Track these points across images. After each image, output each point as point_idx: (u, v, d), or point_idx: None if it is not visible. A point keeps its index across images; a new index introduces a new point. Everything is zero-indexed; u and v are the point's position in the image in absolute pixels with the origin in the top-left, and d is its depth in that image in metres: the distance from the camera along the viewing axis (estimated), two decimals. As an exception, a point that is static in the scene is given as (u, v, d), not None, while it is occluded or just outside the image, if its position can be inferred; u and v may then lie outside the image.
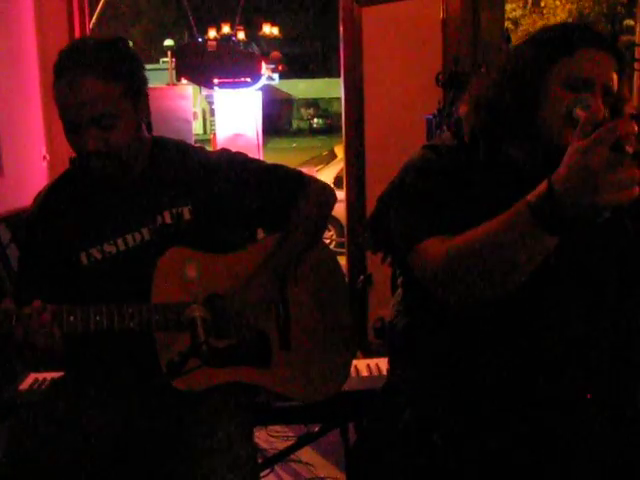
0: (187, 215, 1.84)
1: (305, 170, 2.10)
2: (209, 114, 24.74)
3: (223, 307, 1.81)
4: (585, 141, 1.11)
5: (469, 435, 1.49)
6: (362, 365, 2.36)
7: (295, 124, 34.46)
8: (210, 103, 19.60)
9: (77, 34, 4.30)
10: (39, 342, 1.61)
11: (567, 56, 1.47)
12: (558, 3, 17.14)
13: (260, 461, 2.66)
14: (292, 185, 1.96)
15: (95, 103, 1.68)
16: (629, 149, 1.06)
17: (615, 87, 1.49)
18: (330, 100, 30.60)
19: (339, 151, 10.45)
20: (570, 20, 15.29)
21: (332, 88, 26.71)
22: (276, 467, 2.97)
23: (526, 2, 17.39)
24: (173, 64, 8.39)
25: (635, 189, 1.10)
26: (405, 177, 1.57)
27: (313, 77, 32.24)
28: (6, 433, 1.66)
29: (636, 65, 3.54)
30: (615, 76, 1.49)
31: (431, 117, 3.56)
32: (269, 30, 17.08)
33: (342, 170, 5.25)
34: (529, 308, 1.47)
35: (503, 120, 1.52)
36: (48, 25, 4.22)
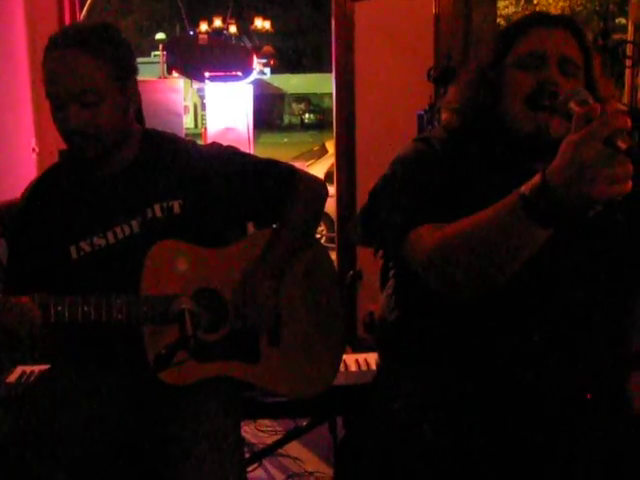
0: (177, 209, 1.84)
1: (296, 165, 2.10)
2: (200, 108, 24.69)
3: (213, 300, 1.80)
4: (578, 134, 1.11)
5: (460, 427, 1.50)
6: (351, 360, 2.35)
7: (286, 119, 34.45)
8: (201, 97, 19.54)
9: (67, 26, 4.28)
10: (21, 331, 1.61)
11: (518, 39, 1.55)
12: (551, 0, 17.17)
13: (248, 455, 2.66)
14: (284, 180, 1.95)
15: (79, 77, 1.68)
16: (622, 144, 1.07)
17: (578, 60, 1.53)
18: (322, 95, 30.61)
19: (330, 146, 10.44)
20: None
21: (324, 83, 26.67)
22: (264, 461, 2.98)
23: (519, -1, 17.42)
24: (164, 57, 8.36)
25: (628, 184, 1.10)
26: (397, 168, 1.57)
27: (305, 72, 32.20)
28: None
29: (627, 62, 3.55)
30: (578, 51, 1.53)
31: (422, 113, 3.56)
32: (261, 24, 17.03)
33: (333, 165, 5.24)
34: (522, 301, 1.48)
35: (478, 119, 1.56)
36: (38, 17, 4.20)
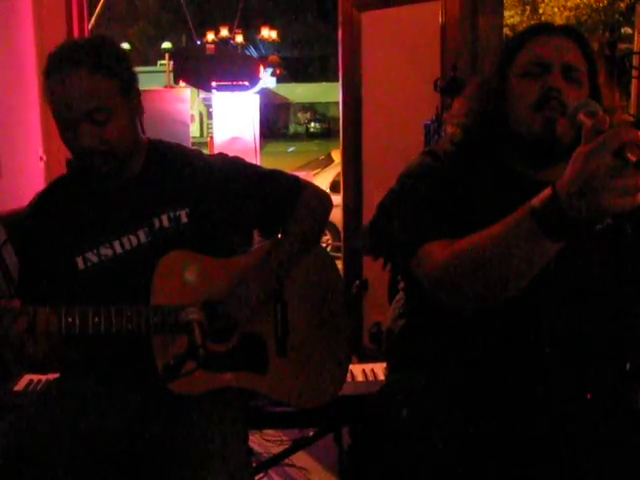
0: (184, 218, 1.84)
1: (302, 174, 2.11)
2: (206, 117, 24.71)
3: (221, 311, 1.80)
4: (588, 146, 1.12)
5: (469, 437, 1.49)
6: (357, 370, 2.35)
7: (292, 128, 34.46)
8: (208, 106, 19.62)
9: (75, 36, 4.30)
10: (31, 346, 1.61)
11: (521, 49, 1.56)
12: (556, 10, 17.19)
13: (254, 465, 2.65)
14: (289, 191, 1.96)
15: (88, 97, 1.68)
16: (632, 156, 1.07)
17: (582, 67, 1.54)
18: (327, 104, 30.61)
19: (336, 155, 10.44)
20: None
21: (329, 92, 26.71)
22: (270, 471, 2.97)
23: (524, 9, 17.44)
24: (171, 67, 8.40)
25: (638, 196, 1.10)
26: (405, 182, 1.57)
27: (310, 81, 32.24)
28: (1, 435, 1.65)
29: (634, 73, 3.55)
30: (581, 58, 1.54)
31: (429, 123, 3.56)
32: (267, 34, 17.09)
33: (339, 174, 5.25)
34: (529, 312, 1.47)
35: (484, 130, 1.56)
36: (47, 27, 4.22)
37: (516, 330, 1.50)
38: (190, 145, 2.18)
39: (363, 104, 4.21)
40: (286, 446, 2.89)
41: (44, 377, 2.26)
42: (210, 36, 13.53)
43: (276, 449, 3.02)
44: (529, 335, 1.51)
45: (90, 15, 4.71)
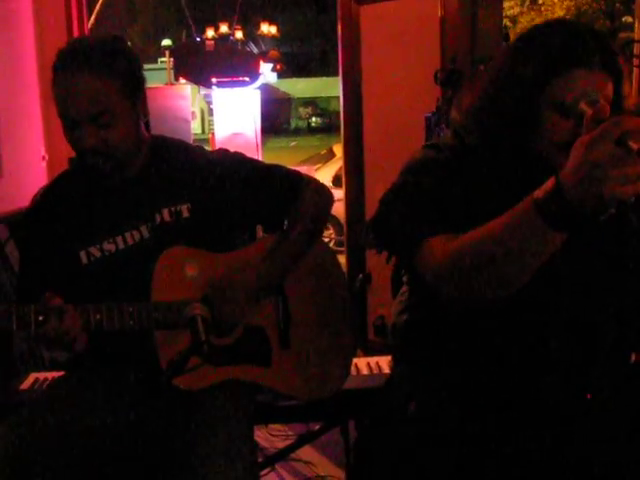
0: (186, 213, 1.85)
1: (304, 169, 2.11)
2: (207, 114, 24.69)
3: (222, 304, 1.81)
4: (590, 135, 1.11)
5: (474, 432, 1.50)
6: (362, 363, 2.36)
7: (293, 123, 34.44)
8: (208, 103, 19.58)
9: (75, 34, 4.30)
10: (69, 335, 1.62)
11: (557, 77, 1.42)
12: (556, 0, 17.14)
13: (260, 460, 2.66)
14: (290, 186, 1.96)
15: (93, 101, 1.68)
16: (633, 145, 1.07)
17: (610, 102, 1.41)
18: (328, 99, 30.57)
19: (338, 150, 10.45)
20: (568, 17, 15.29)
21: (330, 87, 26.69)
22: (277, 466, 2.98)
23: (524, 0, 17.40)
24: (171, 64, 8.40)
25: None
26: (407, 176, 1.56)
27: (311, 76, 32.20)
28: (6, 432, 1.65)
29: (635, 62, 3.54)
30: (611, 92, 1.44)
31: (430, 115, 3.56)
32: (267, 29, 17.06)
33: (341, 169, 5.24)
34: (533, 305, 1.47)
35: (496, 134, 1.52)
36: (47, 25, 4.22)
37: (521, 324, 1.49)
38: (192, 142, 2.19)
39: (363, 98, 4.21)
40: (292, 440, 2.90)
41: (50, 375, 2.27)
42: (210, 32, 13.50)
43: (282, 444, 3.03)
44: (534, 328, 1.51)
45: (90, 13, 4.71)
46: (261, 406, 1.97)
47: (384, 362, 2.35)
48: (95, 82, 1.68)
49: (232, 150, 2.01)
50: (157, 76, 15.11)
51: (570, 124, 1.41)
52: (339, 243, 7.93)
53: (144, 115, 1.84)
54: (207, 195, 1.87)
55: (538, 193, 1.19)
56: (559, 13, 16.53)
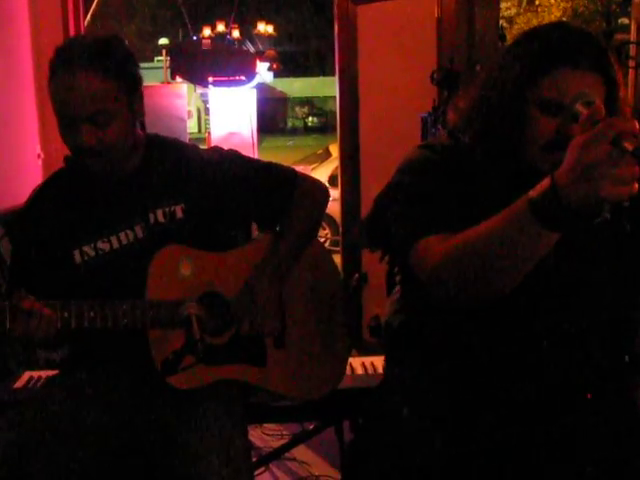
0: (180, 213, 1.84)
1: (300, 168, 2.10)
2: (204, 113, 24.67)
3: (218, 304, 1.81)
4: (585, 135, 1.11)
5: (468, 434, 1.50)
6: (357, 363, 2.36)
7: (290, 122, 34.41)
8: (205, 102, 19.58)
9: (71, 32, 4.29)
10: (37, 336, 1.61)
11: (544, 76, 1.41)
12: (553, 1, 17.15)
13: (255, 460, 2.66)
14: (285, 183, 1.96)
15: (91, 100, 1.68)
16: (628, 145, 1.07)
17: (601, 100, 1.39)
18: (325, 98, 30.58)
19: (334, 149, 10.43)
20: (564, 19, 15.32)
21: (327, 86, 26.70)
22: (271, 465, 2.98)
23: (521, 0, 17.40)
24: (168, 62, 8.39)
25: (634, 185, 1.10)
26: (402, 176, 1.56)
27: (308, 75, 32.19)
28: (0, 431, 1.65)
29: (630, 63, 3.55)
30: (601, 93, 1.42)
31: (426, 115, 3.56)
32: (264, 28, 17.09)
33: (337, 168, 5.25)
34: (527, 307, 1.47)
35: (488, 136, 1.51)
36: (43, 23, 4.21)
37: (514, 324, 1.49)
38: (187, 141, 2.19)
39: (360, 98, 4.21)
40: (287, 440, 2.90)
41: (44, 374, 2.26)
42: (207, 31, 13.50)
43: (277, 443, 3.03)
44: (527, 329, 1.51)
45: (86, 12, 4.70)
46: (256, 406, 1.97)
47: (379, 362, 2.35)
48: (93, 81, 1.68)
49: (226, 149, 2.00)
50: (154, 75, 15.09)
51: (554, 124, 1.40)
52: (335, 243, 7.93)
53: (140, 114, 1.83)
54: (201, 195, 1.86)
55: (533, 192, 1.19)
56: (556, 14, 16.54)
